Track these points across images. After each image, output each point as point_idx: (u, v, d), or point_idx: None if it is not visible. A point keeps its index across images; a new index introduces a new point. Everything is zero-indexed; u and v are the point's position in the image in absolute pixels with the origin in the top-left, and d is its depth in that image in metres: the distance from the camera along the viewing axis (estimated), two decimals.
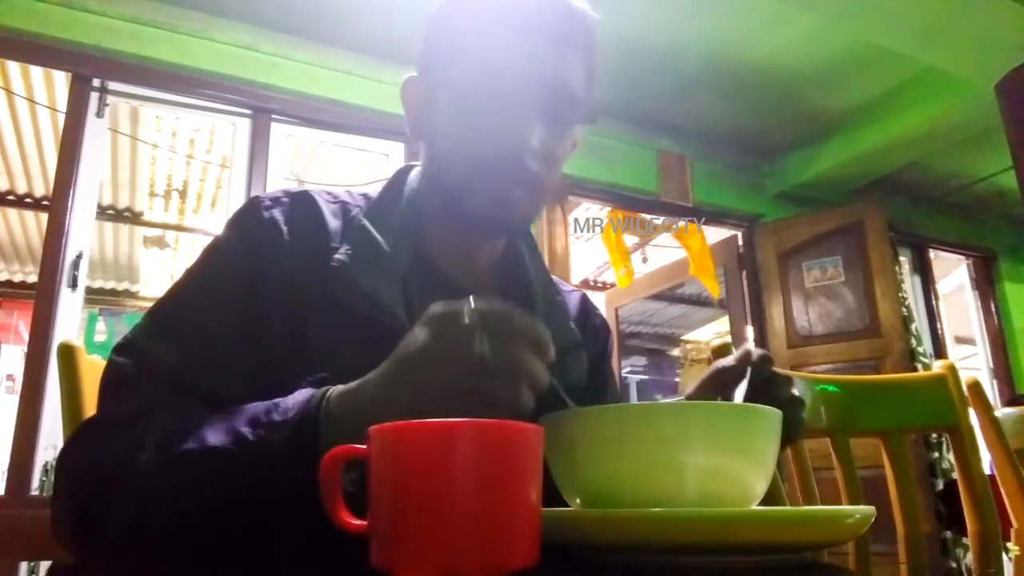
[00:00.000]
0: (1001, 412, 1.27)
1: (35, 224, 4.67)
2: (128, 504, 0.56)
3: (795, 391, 0.73)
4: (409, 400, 0.50)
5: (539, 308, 0.81)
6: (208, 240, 0.77)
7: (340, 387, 0.55)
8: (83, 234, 2.61)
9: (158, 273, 5.38)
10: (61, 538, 0.61)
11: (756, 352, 0.70)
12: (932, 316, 4.53)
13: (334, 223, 0.74)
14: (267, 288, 0.68)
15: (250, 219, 0.73)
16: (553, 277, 0.91)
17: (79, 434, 0.63)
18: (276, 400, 0.56)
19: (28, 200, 4.36)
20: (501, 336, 0.49)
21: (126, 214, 4.53)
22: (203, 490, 0.55)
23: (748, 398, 0.66)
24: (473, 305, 0.50)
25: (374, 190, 0.82)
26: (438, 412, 0.45)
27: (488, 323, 0.49)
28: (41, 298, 2.46)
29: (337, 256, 0.70)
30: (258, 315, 0.67)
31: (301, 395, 0.56)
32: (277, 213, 0.73)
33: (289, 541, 0.56)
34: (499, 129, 0.71)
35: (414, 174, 0.82)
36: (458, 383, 0.49)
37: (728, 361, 0.72)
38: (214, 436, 0.56)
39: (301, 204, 0.75)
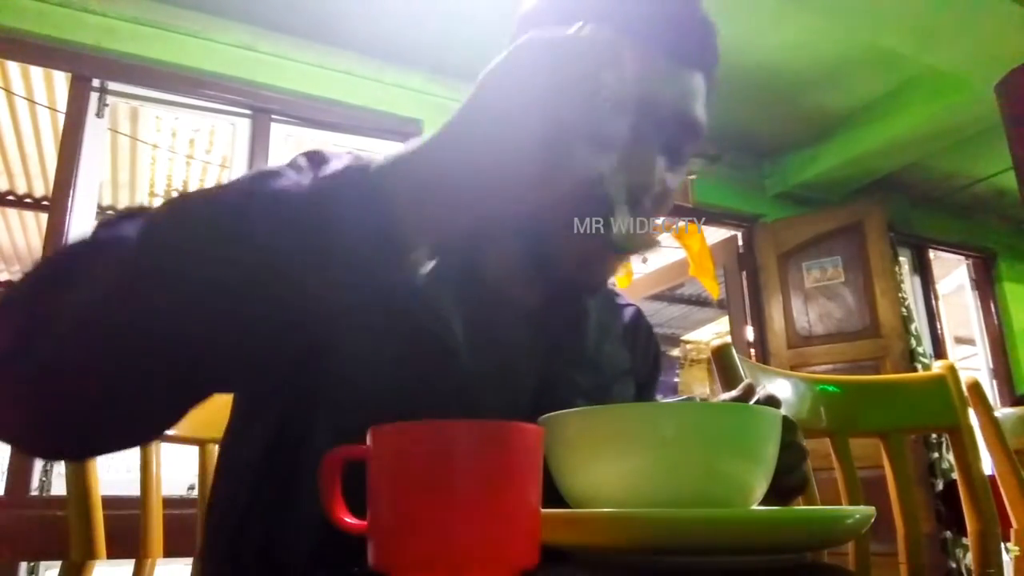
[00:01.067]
0: (1001, 412, 1.27)
1: (35, 224, 4.67)
2: (94, 278, 0.43)
3: (798, 439, 0.64)
4: (506, 148, 0.42)
5: (591, 334, 0.75)
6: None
7: (384, 158, 0.45)
8: (83, 234, 2.61)
9: None
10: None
11: (761, 393, 0.62)
12: (932, 316, 4.53)
13: None
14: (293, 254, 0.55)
15: (315, 168, 0.62)
16: (612, 288, 0.83)
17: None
18: None
19: (28, 200, 4.35)
20: (615, 70, 0.42)
21: None
22: (224, 241, 0.42)
23: None
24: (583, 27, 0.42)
25: None
26: (540, 164, 0.41)
27: (606, 54, 0.42)
28: None
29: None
30: (277, 276, 0.52)
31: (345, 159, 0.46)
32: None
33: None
34: (622, 164, 0.56)
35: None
36: (577, 126, 0.41)
37: (730, 396, 0.65)
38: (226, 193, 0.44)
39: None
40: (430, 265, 0.50)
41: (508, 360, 0.67)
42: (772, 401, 0.62)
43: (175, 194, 0.53)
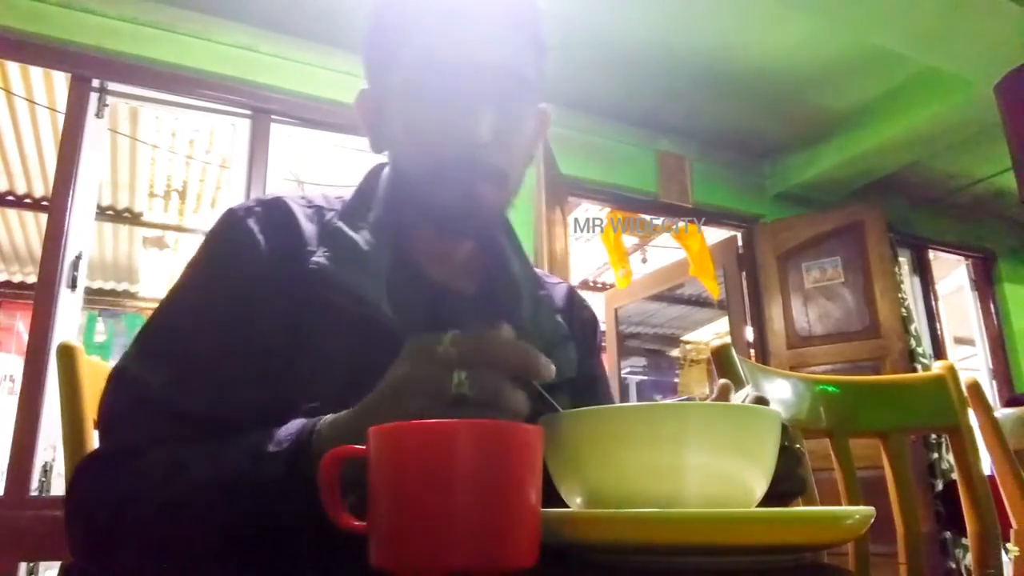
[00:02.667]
0: (1000, 413, 1.27)
1: (34, 225, 4.67)
2: (133, 543, 0.59)
3: (793, 444, 0.66)
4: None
5: (525, 304, 0.81)
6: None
7: (328, 418, 0.55)
8: (82, 235, 2.61)
9: (157, 274, 5.38)
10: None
11: (751, 395, 0.65)
12: (931, 317, 4.53)
13: (309, 227, 0.73)
14: (250, 298, 0.67)
15: (226, 232, 0.72)
16: (537, 270, 0.90)
17: (82, 470, 0.64)
18: (270, 431, 0.56)
19: (27, 201, 4.35)
20: (479, 368, 0.48)
21: (125, 215, 4.53)
22: (202, 525, 0.56)
23: None
24: (450, 337, 0.49)
25: (347, 192, 0.81)
26: None
27: (465, 355, 0.48)
28: (40, 299, 2.46)
29: (315, 259, 0.69)
30: (244, 326, 0.66)
31: (293, 426, 0.56)
32: (251, 223, 0.72)
33: (299, 554, 0.56)
34: (447, 124, 0.69)
35: (387, 172, 0.81)
36: (433, 416, 0.48)
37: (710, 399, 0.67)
38: (209, 469, 0.57)
39: (274, 211, 0.74)
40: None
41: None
42: (761, 403, 0.63)
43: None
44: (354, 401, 0.54)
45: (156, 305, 0.71)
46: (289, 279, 0.68)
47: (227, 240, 0.72)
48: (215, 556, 0.57)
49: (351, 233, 0.72)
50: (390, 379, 0.52)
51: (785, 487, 0.60)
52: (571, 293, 0.95)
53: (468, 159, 0.69)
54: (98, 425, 0.67)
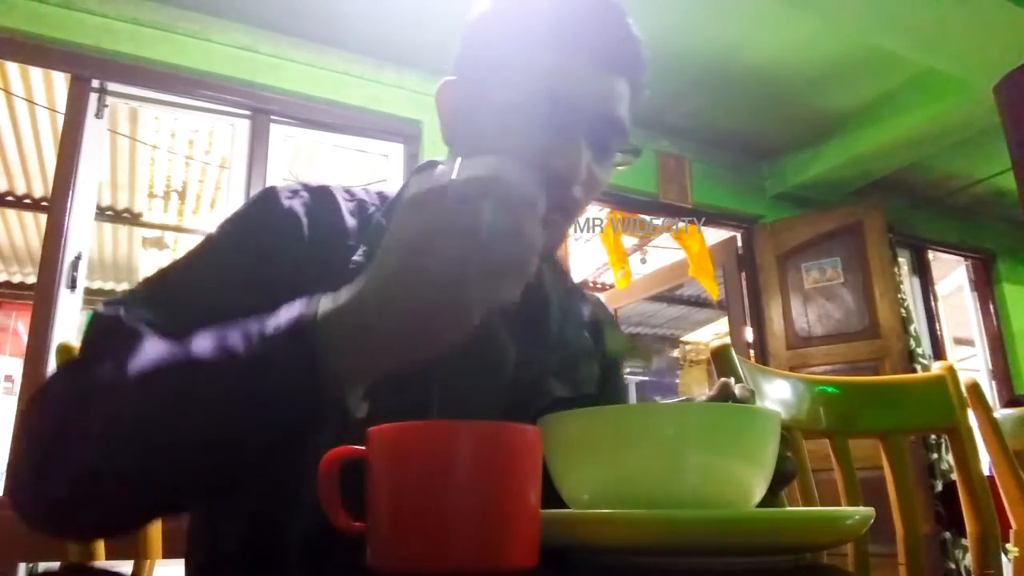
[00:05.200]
0: (1000, 413, 1.27)
1: (34, 225, 4.67)
2: (94, 435, 0.51)
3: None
4: (411, 298, 0.46)
5: (553, 315, 0.80)
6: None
7: (327, 306, 0.49)
8: (82, 235, 2.61)
9: None
10: (19, 510, 0.55)
11: (739, 389, 0.64)
12: (931, 317, 4.53)
13: (351, 221, 0.71)
14: (277, 280, 0.62)
15: (268, 207, 0.69)
16: (570, 279, 0.89)
17: (43, 386, 0.57)
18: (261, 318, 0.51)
19: (27, 201, 4.35)
20: (499, 201, 0.45)
21: (125, 215, 4.53)
22: (179, 410, 0.49)
23: None
24: (458, 172, 0.45)
25: (391, 189, 0.79)
26: (445, 305, 0.45)
27: (481, 190, 0.45)
28: (40, 299, 2.46)
29: (356, 258, 0.67)
30: (262, 306, 0.63)
31: (290, 313, 0.50)
32: (297, 205, 0.69)
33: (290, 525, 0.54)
34: (548, 152, 0.66)
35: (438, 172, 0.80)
36: (466, 263, 0.44)
37: (707, 397, 0.67)
38: (194, 348, 0.50)
39: (321, 199, 0.71)
40: (364, 407, 0.52)
41: (483, 350, 0.72)
42: (748, 395, 0.64)
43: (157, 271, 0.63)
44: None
45: None
46: (323, 271, 0.65)
47: (268, 216, 0.68)
48: (189, 469, 0.50)
49: None
50: (397, 240, 0.47)
51: (779, 469, 0.60)
52: (598, 308, 0.93)
53: (559, 187, 0.67)
54: (81, 344, 0.61)
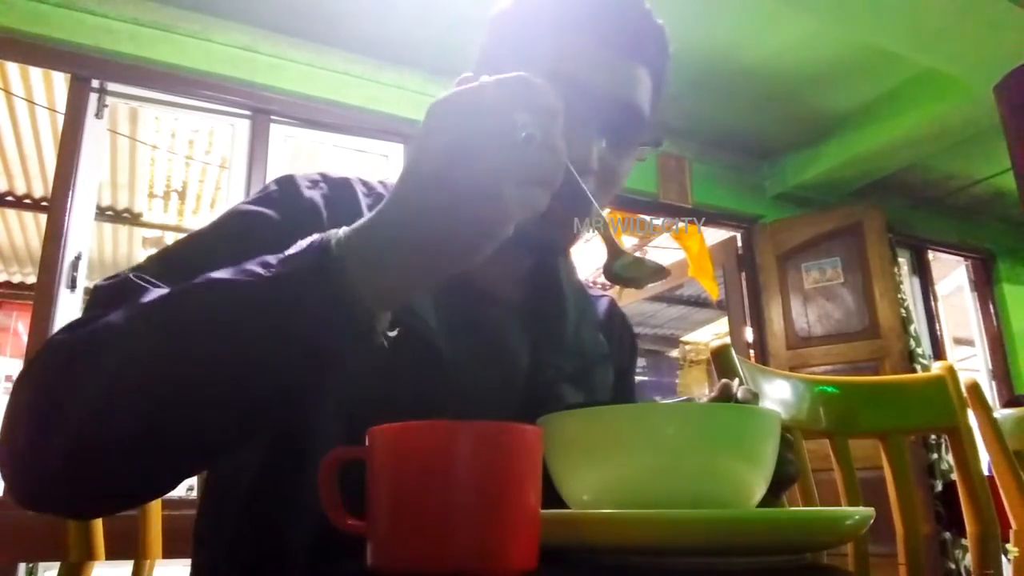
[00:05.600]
0: (1000, 413, 1.27)
1: (34, 225, 4.67)
2: (99, 379, 0.46)
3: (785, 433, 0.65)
4: (443, 208, 0.43)
5: (570, 319, 0.79)
6: None
7: (346, 229, 0.47)
8: (82, 235, 2.61)
9: None
10: (14, 486, 0.49)
11: (742, 391, 0.63)
12: (931, 317, 4.53)
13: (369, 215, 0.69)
14: None
15: (288, 195, 0.66)
16: (581, 279, 0.87)
17: (38, 351, 0.52)
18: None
19: (27, 201, 4.35)
20: (530, 108, 0.43)
21: (125, 215, 4.52)
22: (194, 337, 0.45)
23: None
24: (494, 79, 0.43)
25: None
26: (479, 213, 0.42)
27: (514, 94, 0.43)
28: (40, 299, 2.46)
29: None
30: None
31: (309, 238, 0.47)
32: (317, 196, 0.67)
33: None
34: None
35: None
36: (502, 169, 0.42)
37: (709, 398, 0.66)
38: (209, 276, 0.47)
39: (340, 191, 0.69)
40: (392, 334, 0.49)
41: (498, 353, 0.71)
42: (751, 396, 0.63)
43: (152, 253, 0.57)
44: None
45: None
46: None
47: (286, 203, 0.65)
48: (204, 413, 0.46)
49: None
50: (429, 151, 0.44)
51: (781, 473, 0.60)
52: (612, 308, 0.91)
53: (567, 180, 0.64)
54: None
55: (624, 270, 0.58)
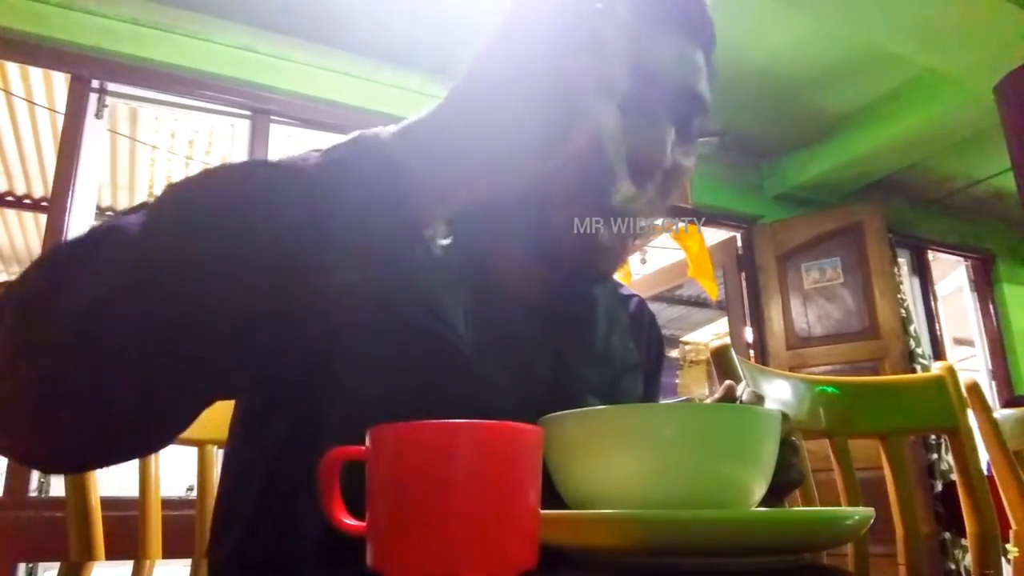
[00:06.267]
0: (1000, 414, 1.27)
1: (34, 225, 4.67)
2: (94, 280, 0.42)
3: (791, 435, 0.63)
4: (508, 110, 0.43)
5: (600, 325, 0.75)
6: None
7: (393, 129, 0.45)
8: None
9: None
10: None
11: (747, 393, 0.61)
12: (931, 318, 4.54)
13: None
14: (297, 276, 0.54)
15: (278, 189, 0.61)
16: (616, 279, 0.82)
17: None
18: None
19: (27, 201, 4.35)
20: (614, 22, 0.43)
21: None
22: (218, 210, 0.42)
23: None
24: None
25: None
26: (544, 120, 0.42)
27: (605, 9, 0.43)
28: None
29: None
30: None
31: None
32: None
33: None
34: (625, 134, 0.55)
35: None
36: (576, 75, 0.42)
37: (713, 399, 0.64)
38: None
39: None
40: (445, 241, 0.46)
41: (518, 357, 0.67)
42: (757, 399, 0.62)
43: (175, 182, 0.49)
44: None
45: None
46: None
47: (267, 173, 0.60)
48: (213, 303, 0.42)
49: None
50: (510, 50, 0.44)
51: (784, 478, 0.60)
52: (641, 308, 0.85)
53: (636, 179, 0.57)
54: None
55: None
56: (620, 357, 0.76)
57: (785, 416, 0.64)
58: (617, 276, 0.79)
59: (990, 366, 4.75)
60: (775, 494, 0.59)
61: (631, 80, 0.48)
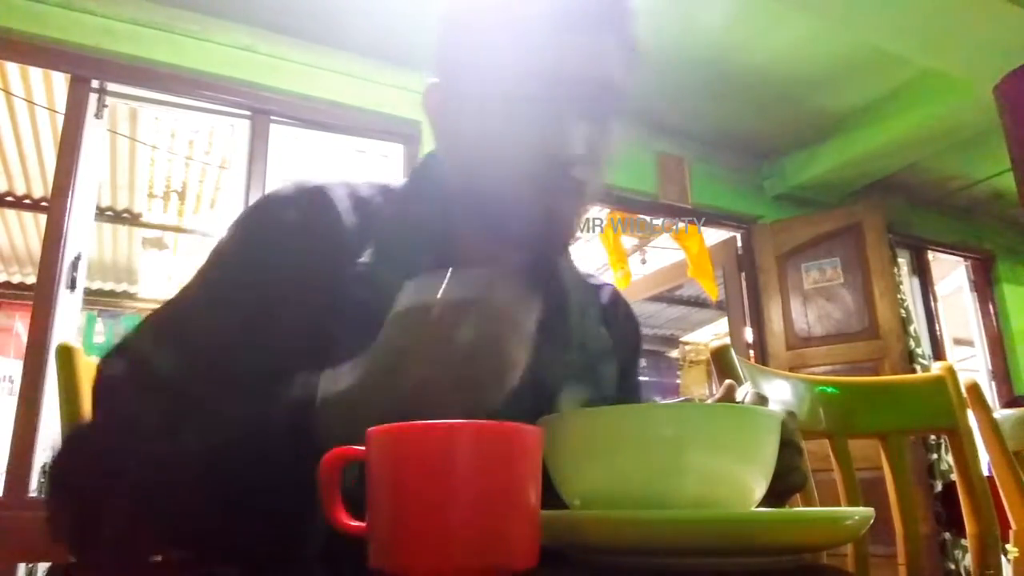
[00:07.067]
0: (999, 414, 1.27)
1: (34, 225, 4.67)
2: (124, 503, 0.54)
3: (795, 437, 0.65)
4: (395, 399, 0.50)
5: (572, 313, 0.77)
6: (209, 241, 0.74)
7: (327, 392, 0.52)
8: (82, 235, 2.61)
9: (157, 275, 5.37)
10: (61, 546, 0.59)
11: (750, 394, 0.63)
12: (931, 318, 4.53)
13: (351, 220, 0.68)
14: (281, 295, 0.63)
15: (261, 221, 0.68)
16: (581, 268, 0.86)
17: (69, 442, 0.61)
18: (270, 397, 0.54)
19: (27, 201, 4.35)
20: (479, 321, 0.47)
21: (125, 215, 4.52)
22: (203, 478, 0.53)
23: None
24: (446, 286, 0.48)
25: (395, 181, 0.76)
26: (425, 408, 0.45)
27: (461, 310, 0.48)
28: (40, 300, 2.45)
29: (362, 260, 0.65)
30: (270, 324, 0.62)
31: (296, 395, 0.53)
32: (292, 215, 0.67)
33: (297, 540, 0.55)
34: (539, 135, 0.64)
35: (440, 170, 0.75)
36: (443, 376, 0.48)
37: (714, 399, 0.66)
38: (212, 429, 0.54)
39: (316, 201, 0.69)
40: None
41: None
42: (760, 401, 0.63)
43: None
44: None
45: (156, 306, 0.68)
46: (327, 278, 0.64)
47: (260, 229, 0.67)
48: (212, 538, 0.53)
49: (397, 231, 0.68)
50: (382, 349, 0.51)
51: (786, 481, 0.60)
52: (614, 297, 0.88)
53: (558, 172, 0.64)
54: (92, 398, 0.63)
55: None
56: (594, 343, 0.78)
57: (792, 415, 0.64)
58: (616, 276, 0.82)
59: (990, 366, 4.75)
60: (777, 498, 0.59)
61: (537, 80, 0.62)
